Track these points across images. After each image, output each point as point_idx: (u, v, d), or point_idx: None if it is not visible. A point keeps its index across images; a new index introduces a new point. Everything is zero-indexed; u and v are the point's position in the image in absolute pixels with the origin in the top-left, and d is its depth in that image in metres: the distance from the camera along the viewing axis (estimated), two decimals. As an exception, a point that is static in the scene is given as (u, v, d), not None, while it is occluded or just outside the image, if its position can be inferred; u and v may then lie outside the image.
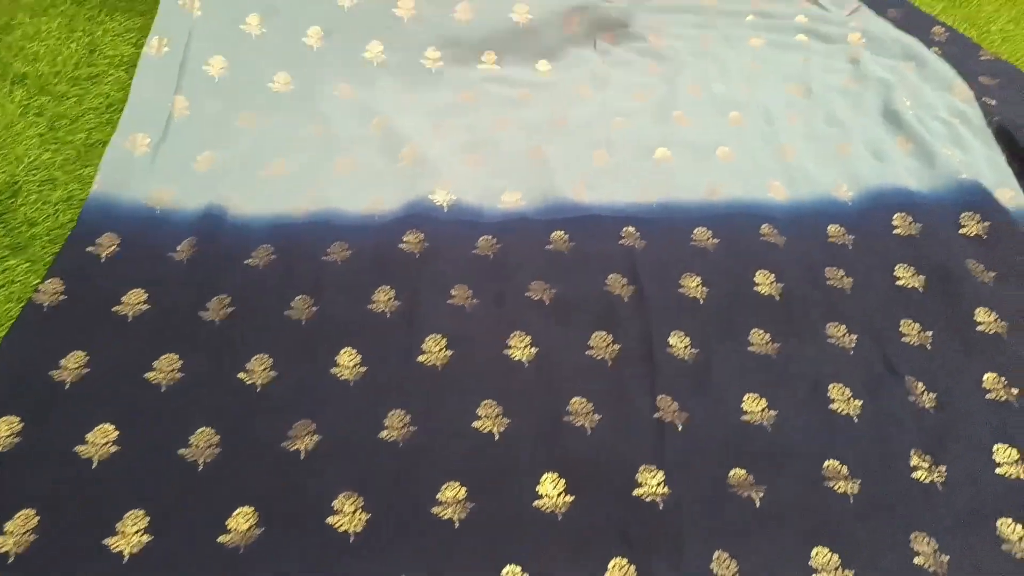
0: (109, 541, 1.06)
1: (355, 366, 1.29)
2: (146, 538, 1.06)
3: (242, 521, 1.09)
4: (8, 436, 1.16)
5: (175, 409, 1.22)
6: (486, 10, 1.97)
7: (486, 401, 1.25)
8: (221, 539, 1.07)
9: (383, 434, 1.20)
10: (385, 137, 1.73)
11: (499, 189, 1.63)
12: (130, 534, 1.07)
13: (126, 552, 1.05)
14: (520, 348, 1.33)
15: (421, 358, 1.30)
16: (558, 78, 1.94)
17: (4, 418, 1.17)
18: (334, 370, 1.28)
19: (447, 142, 1.73)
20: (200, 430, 1.19)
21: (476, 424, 1.22)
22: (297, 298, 1.39)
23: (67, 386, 1.23)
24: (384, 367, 1.29)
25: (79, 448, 1.16)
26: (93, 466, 1.14)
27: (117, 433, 1.18)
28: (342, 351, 1.31)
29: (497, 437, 1.21)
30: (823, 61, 2.01)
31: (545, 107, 1.84)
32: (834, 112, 1.86)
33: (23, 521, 1.06)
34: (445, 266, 1.46)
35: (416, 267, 1.46)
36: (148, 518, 1.08)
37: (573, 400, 1.26)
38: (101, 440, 1.17)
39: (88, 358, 1.27)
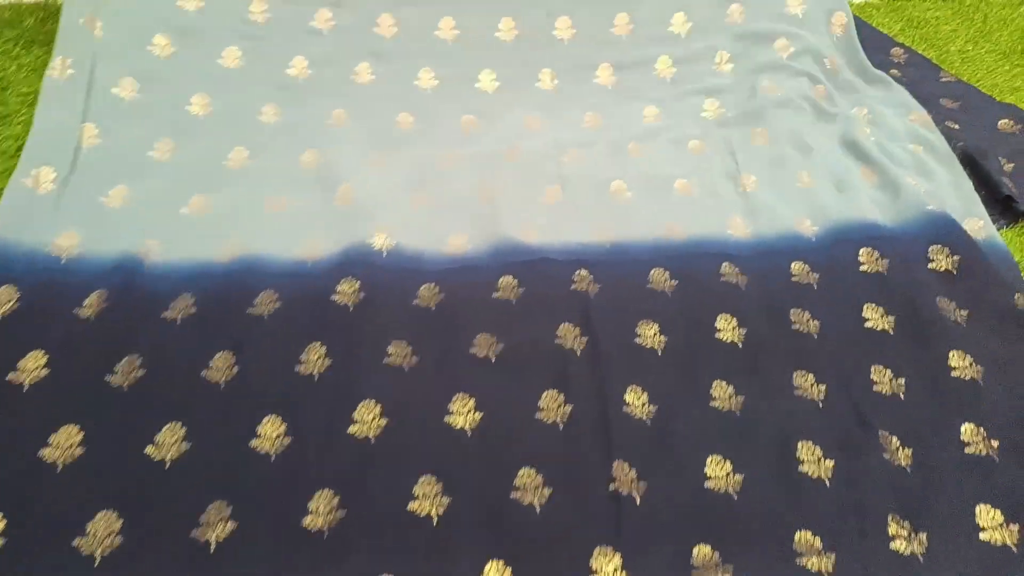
0: None
1: (278, 437, 1.17)
2: None
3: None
4: None
5: (72, 493, 1.09)
6: (412, 24, 1.86)
7: (424, 478, 1.13)
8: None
9: (307, 520, 1.08)
10: (318, 171, 1.61)
11: (443, 232, 1.51)
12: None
13: None
14: (463, 414, 1.22)
15: (352, 429, 1.18)
16: (504, 99, 1.82)
17: None
18: (254, 442, 1.16)
19: (387, 179, 1.61)
20: (100, 515, 1.06)
21: (412, 505, 1.10)
22: (217, 356, 1.26)
23: None
24: (311, 439, 1.17)
25: None
26: None
27: (4, 524, 1.04)
28: (264, 419, 1.18)
29: (436, 521, 1.09)
30: (786, 86, 1.89)
31: (493, 138, 1.72)
32: (797, 138, 1.76)
33: None
34: (382, 319, 1.34)
35: (350, 321, 1.34)
36: None
37: (521, 472, 1.15)
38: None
39: None
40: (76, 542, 1.03)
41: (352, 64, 1.80)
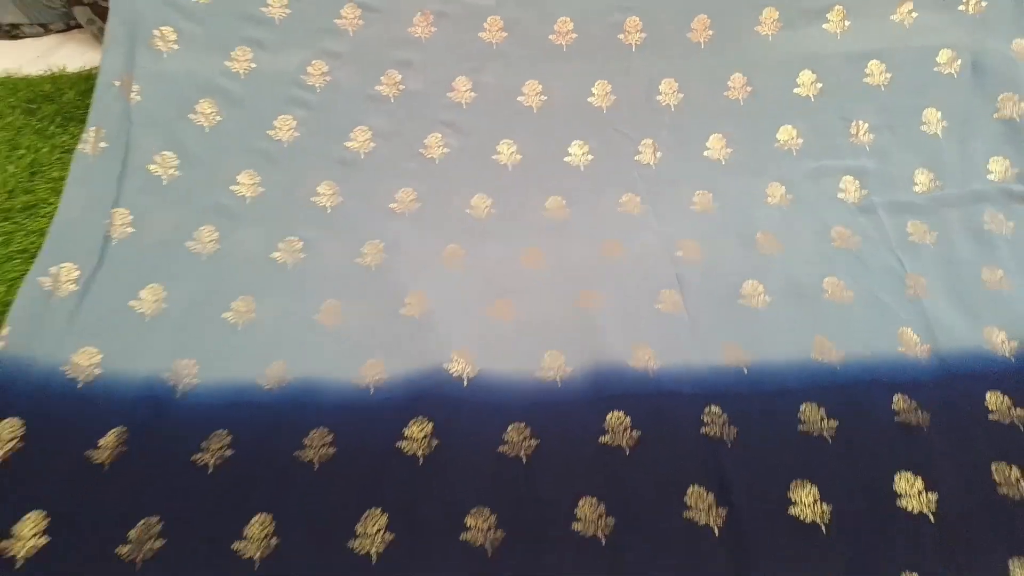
0: None
1: None
2: None
3: None
4: None
5: None
6: (493, 89, 1.56)
7: None
8: None
9: None
10: (383, 273, 1.34)
11: (533, 352, 1.22)
12: None
13: None
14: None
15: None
16: (597, 174, 1.50)
17: None
18: None
19: (463, 283, 1.33)
20: None
21: None
22: (254, 521, 1.01)
23: None
24: None
25: None
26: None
27: None
28: None
29: None
30: (959, 140, 1.52)
31: (587, 228, 1.42)
32: (977, 223, 1.41)
33: None
34: (459, 478, 1.06)
35: (419, 479, 1.06)
36: None
37: None
38: None
39: None
40: None
41: (422, 135, 1.53)
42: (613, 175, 1.49)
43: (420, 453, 1.08)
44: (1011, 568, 0.97)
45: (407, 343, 1.23)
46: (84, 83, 1.87)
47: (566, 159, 1.50)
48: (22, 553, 0.97)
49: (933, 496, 1.03)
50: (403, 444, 1.09)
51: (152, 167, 1.43)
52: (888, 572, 0.96)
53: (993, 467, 1.07)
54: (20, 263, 1.41)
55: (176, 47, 1.52)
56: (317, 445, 1.09)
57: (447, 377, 1.17)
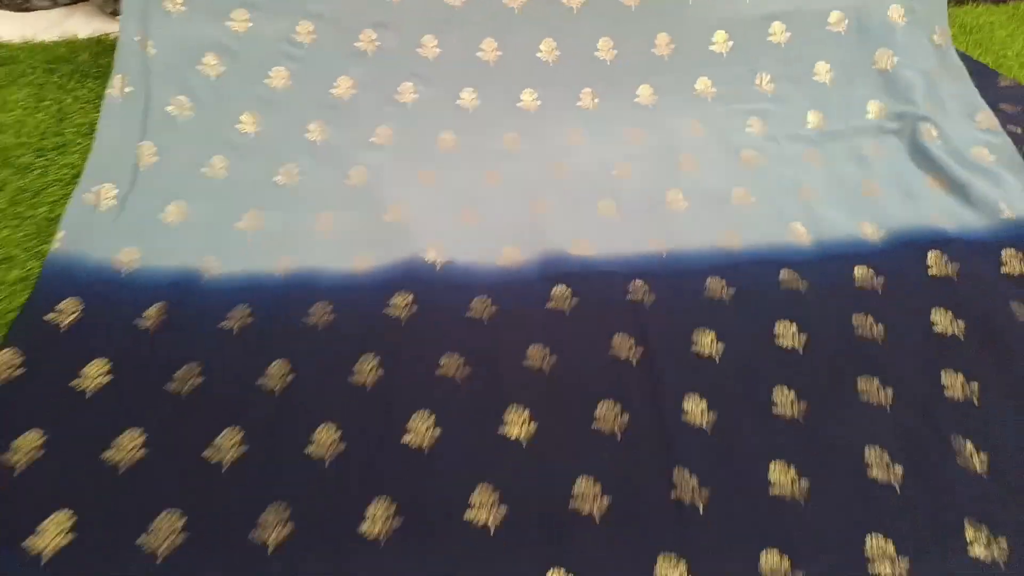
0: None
1: (332, 444, 1.16)
2: None
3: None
4: None
5: (135, 493, 1.10)
6: (455, 46, 1.84)
7: (480, 486, 1.11)
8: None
9: (364, 527, 1.07)
10: (366, 190, 1.62)
11: (495, 246, 1.50)
12: None
13: None
14: (517, 424, 1.20)
15: (406, 438, 1.17)
16: (544, 120, 1.80)
17: None
18: (309, 448, 1.16)
19: (435, 197, 1.61)
20: (162, 515, 1.07)
21: (469, 514, 1.08)
22: (273, 365, 1.27)
23: (15, 474, 1.11)
24: (365, 447, 1.16)
25: (29, 542, 1.04)
26: (41, 563, 1.03)
27: (73, 520, 1.06)
28: (319, 427, 1.18)
29: (492, 531, 1.07)
30: (845, 87, 1.85)
31: (538, 156, 1.71)
32: (858, 149, 1.73)
33: None
34: (434, 332, 1.34)
35: (402, 333, 1.33)
36: None
37: (578, 481, 1.12)
38: (54, 530, 1.05)
39: (45, 439, 1.15)
40: (140, 539, 1.04)
41: (395, 84, 1.81)
42: (559, 117, 1.78)
43: (403, 316, 1.36)
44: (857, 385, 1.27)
45: (390, 241, 1.50)
46: (96, 46, 2.13)
47: (518, 104, 1.79)
48: (91, 388, 1.24)
49: (804, 336, 1.33)
50: (389, 310, 1.36)
51: (169, 108, 1.70)
52: (762, 391, 1.26)
53: (854, 317, 1.37)
54: (57, 188, 1.66)
55: (184, 9, 1.77)
56: (320, 313, 1.36)
57: (423, 263, 1.45)
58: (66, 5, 2.36)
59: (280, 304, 1.38)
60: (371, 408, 1.21)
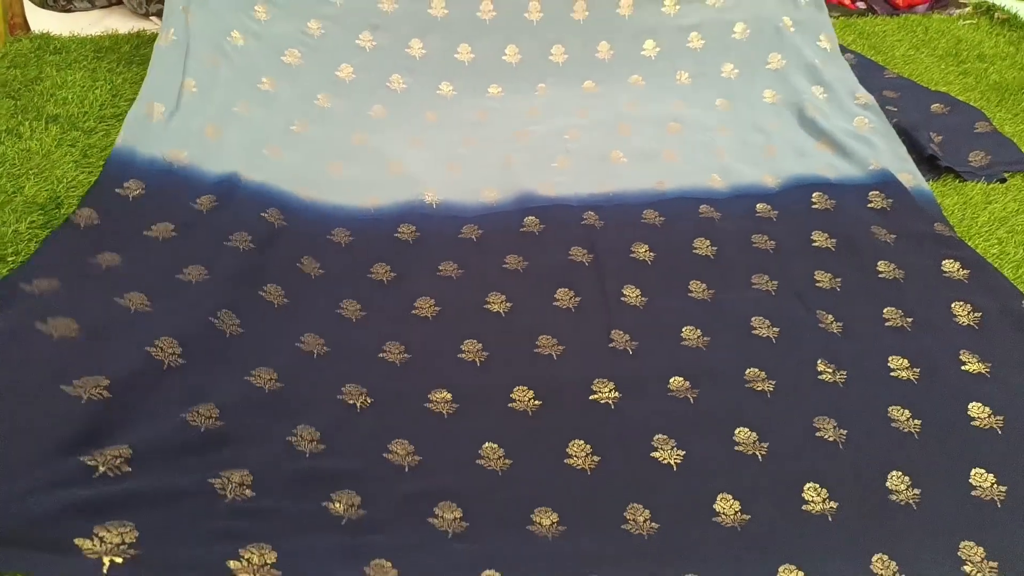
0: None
1: (357, 311, 1.56)
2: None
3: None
4: (48, 289, 1.42)
5: (202, 298, 1.48)
6: (438, 48, 2.27)
7: (468, 340, 1.51)
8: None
9: (381, 356, 1.47)
10: (368, 150, 2.02)
11: (477, 188, 1.92)
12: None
13: None
14: (497, 303, 1.60)
15: (414, 311, 1.57)
16: (509, 103, 2.24)
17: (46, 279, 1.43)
18: (339, 310, 1.55)
19: (426, 156, 2.03)
20: (224, 311, 1.46)
21: (461, 355, 1.49)
22: (305, 258, 1.66)
23: (103, 268, 1.49)
24: (382, 315, 1.56)
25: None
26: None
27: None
28: (343, 302, 1.57)
29: (479, 364, 1.48)
30: (747, 80, 2.33)
31: (506, 127, 2.15)
32: (759, 123, 2.19)
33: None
34: (435, 248, 1.74)
35: (409, 250, 1.74)
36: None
37: (541, 339, 1.52)
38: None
39: (120, 259, 1.51)
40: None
41: (387, 75, 2.23)
42: (521, 100, 2.26)
43: (409, 240, 1.76)
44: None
45: (394, 187, 1.91)
46: (135, 39, 2.51)
47: (488, 91, 2.26)
48: (162, 237, 1.60)
49: (715, 248, 1.75)
50: (398, 235, 1.77)
51: (204, 63, 2.07)
52: (682, 283, 1.68)
53: (753, 237, 1.79)
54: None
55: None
56: (342, 236, 1.75)
57: (423, 203, 1.86)
58: (102, 8, 2.74)
59: (306, 220, 1.76)
60: (389, 295, 1.61)
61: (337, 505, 1.19)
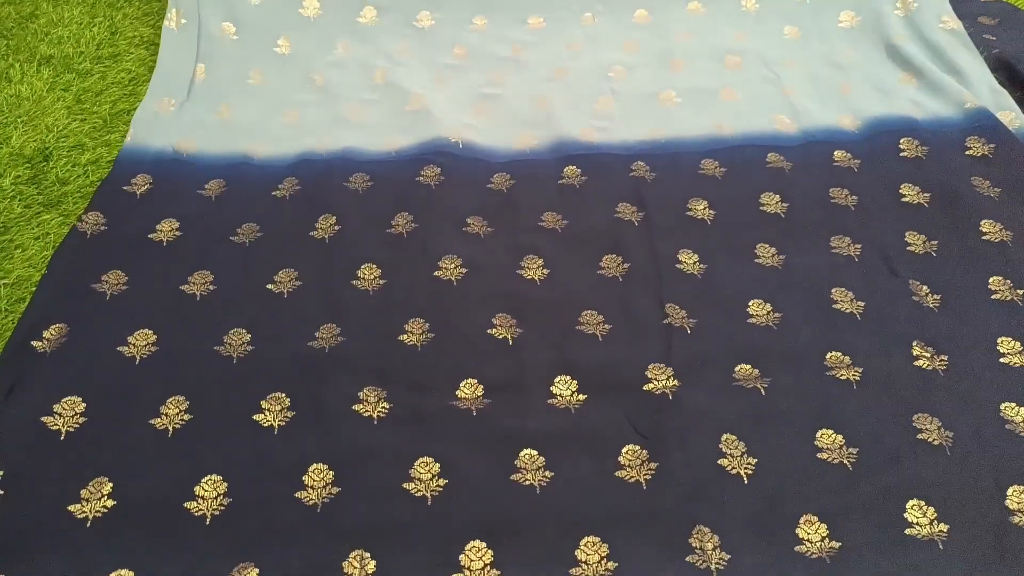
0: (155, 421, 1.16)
1: (374, 279, 1.37)
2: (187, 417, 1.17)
3: (273, 413, 1.17)
4: (57, 338, 1.26)
5: (209, 315, 1.31)
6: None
7: (500, 315, 1.31)
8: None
9: (403, 337, 1.27)
10: (388, 85, 1.81)
11: (510, 132, 1.69)
12: (172, 415, 1.17)
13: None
14: (532, 269, 1.39)
15: (437, 273, 1.37)
16: (548, 34, 1.98)
17: (53, 326, 1.27)
18: (355, 282, 1.36)
19: (450, 94, 1.80)
20: (234, 330, 1.28)
21: (492, 331, 1.28)
22: (320, 218, 1.48)
23: (108, 298, 1.33)
24: (402, 280, 1.36)
25: (121, 348, 1.25)
26: (136, 363, 1.24)
27: (156, 336, 1.27)
28: (363, 265, 1.39)
29: (511, 341, 1.26)
30: (816, 10, 2.02)
31: (540, 61, 1.90)
32: (832, 55, 1.90)
33: (70, 405, 1.17)
34: (460, 199, 1.53)
35: (433, 196, 1.53)
36: (188, 402, 1.18)
37: (584, 314, 1.31)
38: (141, 342, 1.26)
39: (127, 277, 1.36)
40: (216, 347, 1.24)
41: (391, 44, 1.96)
42: (562, 31, 1.98)
43: (432, 184, 1.54)
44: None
45: (415, 125, 1.69)
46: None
47: (527, 23, 1.99)
48: (166, 240, 1.43)
49: (786, 205, 1.51)
50: (420, 178, 1.56)
51: (217, 32, 1.91)
52: (746, 246, 1.44)
53: (831, 190, 1.54)
54: (117, 89, 1.86)
55: None
56: (359, 181, 1.55)
57: (447, 142, 1.64)
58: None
59: (323, 175, 1.57)
60: (408, 251, 1.42)
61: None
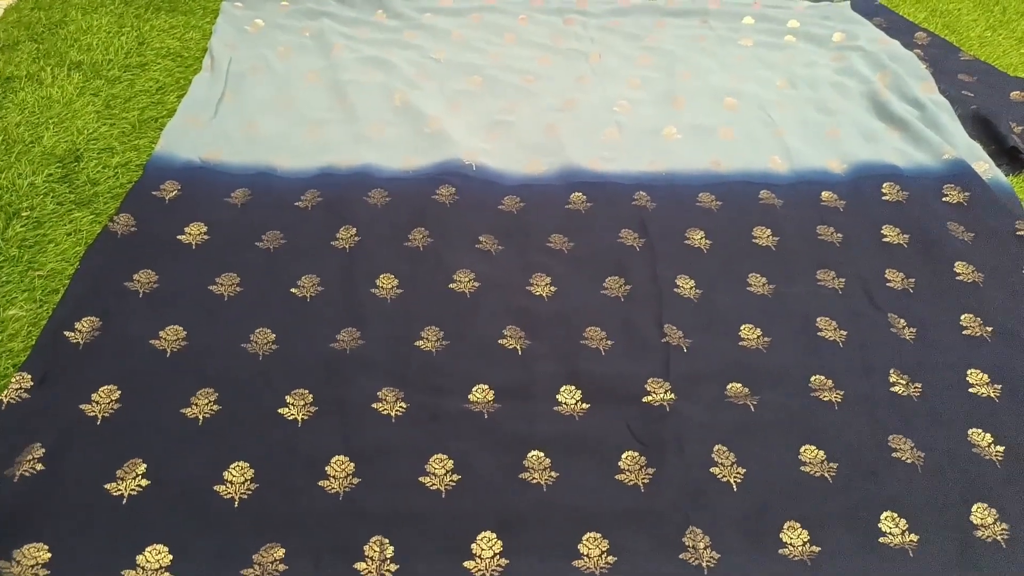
0: (186, 411, 1.23)
1: (392, 288, 1.45)
2: (216, 408, 1.24)
3: (297, 407, 1.25)
4: (90, 330, 1.33)
5: (236, 315, 1.39)
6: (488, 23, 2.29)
7: (510, 327, 1.40)
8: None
9: (419, 343, 1.36)
10: (408, 108, 1.92)
11: (520, 158, 1.79)
12: (202, 405, 1.25)
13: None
14: (541, 286, 1.48)
15: (452, 285, 1.46)
16: (557, 69, 2.14)
17: (86, 318, 1.35)
18: (374, 290, 1.45)
19: (465, 119, 1.92)
20: (259, 329, 1.37)
21: (502, 342, 1.37)
22: (342, 229, 1.57)
23: (140, 295, 1.40)
24: (418, 290, 1.45)
25: (153, 342, 1.33)
26: (167, 356, 1.31)
27: (185, 332, 1.35)
28: (381, 275, 1.47)
29: (520, 352, 1.36)
30: (810, 58, 2.21)
31: (550, 93, 2.03)
32: (823, 102, 2.04)
33: (107, 393, 1.24)
34: (474, 218, 1.62)
35: (448, 214, 1.62)
36: (216, 394, 1.26)
37: (588, 330, 1.41)
38: (172, 337, 1.34)
39: (157, 276, 1.44)
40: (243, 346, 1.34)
41: (401, 32, 2.24)
42: (570, 66, 2.16)
43: (447, 203, 1.64)
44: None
45: (432, 147, 1.80)
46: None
47: (537, 59, 2.17)
48: (194, 243, 1.52)
49: (776, 239, 1.62)
50: (436, 197, 1.65)
51: (246, 76, 2.04)
52: (740, 275, 1.54)
53: (819, 228, 1.65)
54: (145, 97, 1.95)
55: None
56: (379, 197, 1.65)
57: (461, 163, 1.74)
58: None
59: (344, 189, 1.67)
60: (424, 263, 1.51)
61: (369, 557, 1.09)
